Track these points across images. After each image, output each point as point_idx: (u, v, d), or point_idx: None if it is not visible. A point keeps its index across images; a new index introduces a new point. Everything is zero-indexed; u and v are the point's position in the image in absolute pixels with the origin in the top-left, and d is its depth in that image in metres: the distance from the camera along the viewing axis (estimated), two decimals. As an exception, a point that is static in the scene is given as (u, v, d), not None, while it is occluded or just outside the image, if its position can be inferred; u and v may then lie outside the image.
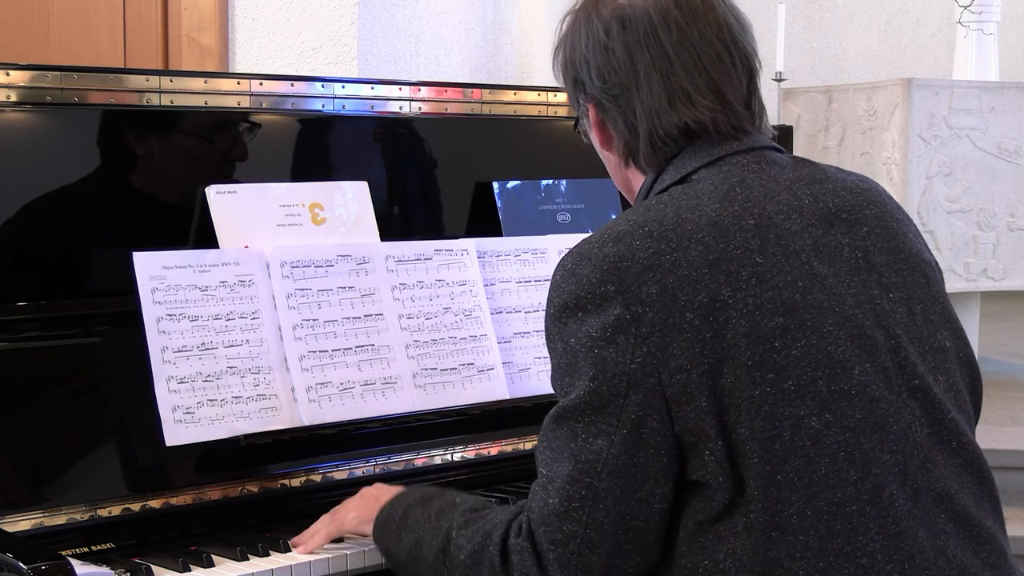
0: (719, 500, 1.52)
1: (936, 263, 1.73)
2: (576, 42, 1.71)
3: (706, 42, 1.65)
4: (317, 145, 2.32)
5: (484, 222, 2.42)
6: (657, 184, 1.67)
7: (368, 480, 2.11)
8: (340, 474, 2.09)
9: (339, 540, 1.92)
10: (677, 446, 1.53)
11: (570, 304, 1.56)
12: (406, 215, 2.43)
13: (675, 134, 1.65)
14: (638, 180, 1.72)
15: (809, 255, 1.58)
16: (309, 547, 1.89)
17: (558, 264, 1.61)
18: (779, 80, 6.43)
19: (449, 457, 2.20)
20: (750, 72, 1.70)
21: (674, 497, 1.55)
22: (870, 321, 1.58)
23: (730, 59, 1.66)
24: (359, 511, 1.89)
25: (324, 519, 1.93)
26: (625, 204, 2.52)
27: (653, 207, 1.60)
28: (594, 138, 1.75)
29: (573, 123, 1.82)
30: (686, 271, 1.53)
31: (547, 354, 2.25)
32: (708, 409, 1.51)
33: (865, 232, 1.64)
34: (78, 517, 1.85)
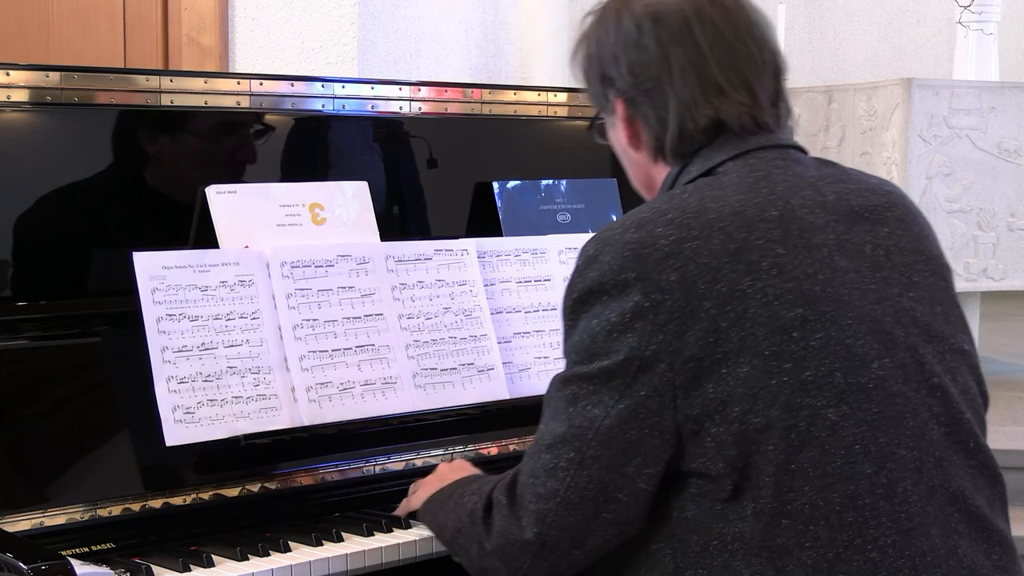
0: (723, 485, 1.53)
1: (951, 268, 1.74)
2: (604, 39, 1.71)
3: (739, 40, 1.67)
4: (317, 145, 2.32)
5: (484, 222, 2.42)
6: (683, 175, 1.68)
7: (368, 480, 2.11)
8: (340, 474, 2.08)
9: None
10: (674, 433, 1.54)
11: (593, 290, 1.58)
12: (406, 215, 2.43)
13: (705, 126, 1.66)
14: (662, 176, 1.72)
15: (831, 249, 1.59)
16: (401, 513, 1.99)
17: (581, 249, 1.62)
18: (779, 80, 6.41)
19: (449, 457, 2.20)
20: (776, 72, 1.71)
21: (674, 481, 1.57)
22: (890, 317, 1.59)
23: (760, 57, 1.68)
24: (424, 490, 1.95)
25: (412, 488, 2.00)
26: (625, 203, 2.52)
27: (677, 195, 1.61)
28: (620, 135, 1.74)
29: (588, 124, 1.82)
30: (707, 259, 1.54)
31: (547, 354, 2.26)
32: (717, 398, 1.51)
33: (887, 232, 1.65)
34: (78, 517, 1.85)
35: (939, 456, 1.58)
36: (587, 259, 1.60)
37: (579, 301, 1.60)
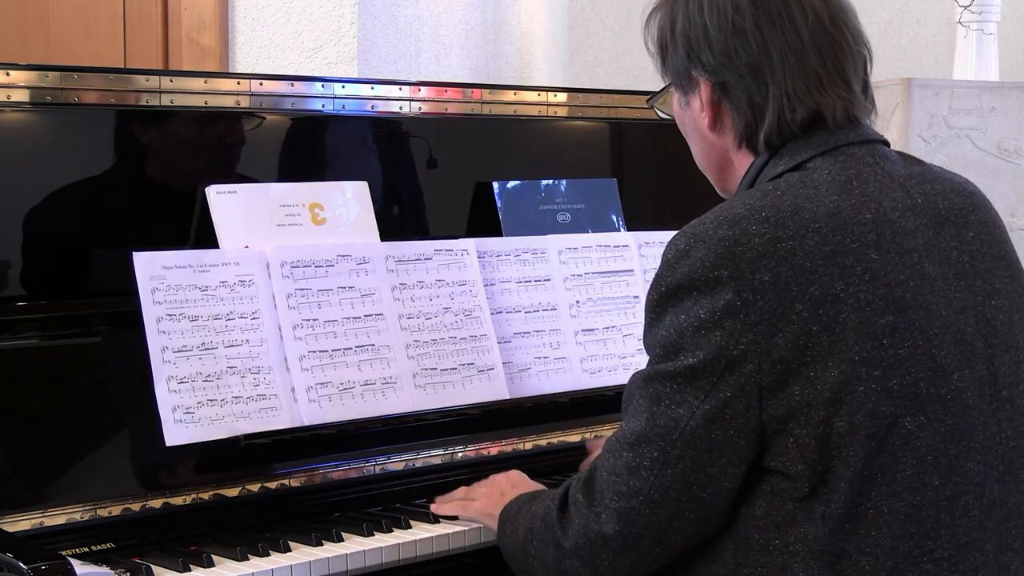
0: (800, 486, 1.52)
1: None
2: (692, 15, 1.66)
3: (836, 28, 1.64)
4: (317, 145, 2.32)
5: (484, 222, 2.42)
6: (769, 168, 1.64)
7: (368, 481, 2.12)
8: (340, 474, 2.08)
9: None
10: (759, 433, 1.53)
11: (684, 285, 1.55)
12: (406, 215, 2.43)
13: (803, 117, 1.63)
14: (743, 164, 1.69)
15: (921, 255, 1.57)
16: (440, 512, 2.01)
17: (670, 242, 1.59)
18: (779, 80, 6.39)
19: (449, 457, 2.20)
20: (865, 62, 1.69)
21: (748, 477, 1.56)
22: (972, 328, 1.58)
23: (854, 46, 1.66)
24: (484, 503, 1.95)
25: (461, 492, 2.02)
26: (625, 203, 2.52)
27: (770, 192, 1.58)
28: (699, 117, 1.70)
29: (651, 96, 1.80)
30: (801, 261, 1.52)
31: (547, 354, 2.25)
32: (802, 400, 1.50)
33: (971, 237, 1.64)
34: (78, 517, 1.85)
35: (1002, 471, 1.58)
36: (678, 253, 1.57)
37: (667, 295, 1.57)
